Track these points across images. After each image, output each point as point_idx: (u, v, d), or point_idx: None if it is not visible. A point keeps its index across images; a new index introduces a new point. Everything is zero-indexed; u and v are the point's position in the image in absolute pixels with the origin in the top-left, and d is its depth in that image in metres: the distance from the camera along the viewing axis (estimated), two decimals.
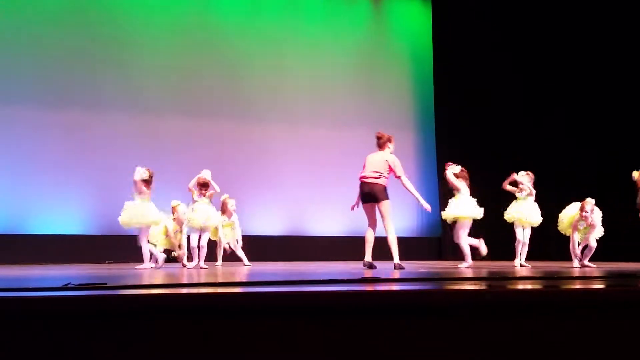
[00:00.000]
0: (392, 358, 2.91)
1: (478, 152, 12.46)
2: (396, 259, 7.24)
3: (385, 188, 7.42)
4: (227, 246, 8.75)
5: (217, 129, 11.59)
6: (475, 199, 8.30)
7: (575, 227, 8.09)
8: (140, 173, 7.48)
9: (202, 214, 7.89)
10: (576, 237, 8.08)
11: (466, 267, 7.77)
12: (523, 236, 8.30)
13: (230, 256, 8.97)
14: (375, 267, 7.15)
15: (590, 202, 7.97)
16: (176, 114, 11.35)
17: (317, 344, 2.85)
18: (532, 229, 8.40)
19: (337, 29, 12.72)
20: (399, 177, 7.50)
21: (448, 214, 8.38)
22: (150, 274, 5.95)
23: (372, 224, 7.48)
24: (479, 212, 8.18)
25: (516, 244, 8.35)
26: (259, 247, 9.34)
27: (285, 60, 12.28)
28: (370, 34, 13.08)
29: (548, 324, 3.07)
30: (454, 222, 8.38)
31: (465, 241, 8.13)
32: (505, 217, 8.44)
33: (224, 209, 8.69)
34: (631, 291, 3.41)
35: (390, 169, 7.45)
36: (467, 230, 8.17)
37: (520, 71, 12.46)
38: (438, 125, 13.00)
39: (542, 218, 8.38)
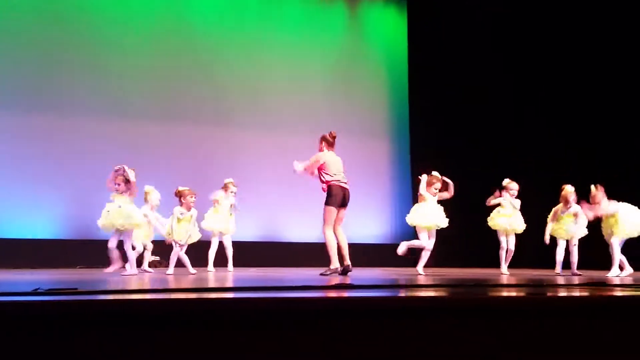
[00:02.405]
0: None
1: (452, 159, 12.54)
2: (348, 260, 7.48)
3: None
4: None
5: (194, 134, 11.54)
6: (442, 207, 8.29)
7: (554, 217, 8.25)
8: (132, 174, 7.41)
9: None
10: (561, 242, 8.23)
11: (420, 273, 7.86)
12: (507, 243, 8.42)
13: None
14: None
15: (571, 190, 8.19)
16: (151, 119, 11.28)
17: (291, 349, 2.84)
18: (518, 235, 8.51)
19: (313, 35, 12.75)
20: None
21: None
22: (121, 279, 5.90)
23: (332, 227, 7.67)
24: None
25: (500, 251, 8.44)
26: (233, 252, 9.28)
27: (262, 65, 12.27)
28: (346, 40, 13.12)
29: (519, 328, 3.09)
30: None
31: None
32: (489, 224, 8.51)
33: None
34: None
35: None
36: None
37: (496, 77, 12.57)
38: (412, 132, 13.07)
39: (525, 225, 8.48)
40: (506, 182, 8.55)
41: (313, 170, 7.87)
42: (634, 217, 7.52)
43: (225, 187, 8.89)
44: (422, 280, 6.05)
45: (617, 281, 5.93)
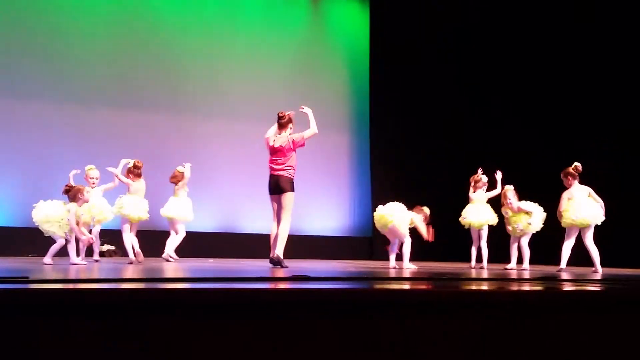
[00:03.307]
0: (318, 355, 2.92)
1: (412, 154, 12.67)
2: (280, 252, 7.17)
3: (292, 180, 7.36)
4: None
5: (151, 123, 11.41)
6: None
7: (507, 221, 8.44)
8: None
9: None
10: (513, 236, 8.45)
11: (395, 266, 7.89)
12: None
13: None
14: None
15: (509, 188, 8.38)
16: (109, 106, 11.11)
17: (244, 341, 2.83)
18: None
19: (275, 29, 12.69)
20: (307, 139, 7.47)
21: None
22: (76, 268, 5.81)
23: (275, 217, 7.46)
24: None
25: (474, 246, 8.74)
26: (190, 243, 9.22)
27: (223, 56, 12.18)
28: (308, 34, 13.10)
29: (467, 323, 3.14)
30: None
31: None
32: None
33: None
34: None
35: (295, 144, 7.39)
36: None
37: (457, 73, 12.69)
38: (373, 127, 13.13)
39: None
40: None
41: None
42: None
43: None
44: (378, 273, 6.09)
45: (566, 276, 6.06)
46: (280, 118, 7.56)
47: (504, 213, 8.48)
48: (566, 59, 11.12)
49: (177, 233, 8.61)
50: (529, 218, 8.30)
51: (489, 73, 12.31)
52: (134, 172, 7.71)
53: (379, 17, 13.25)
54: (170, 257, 8.38)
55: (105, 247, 9.30)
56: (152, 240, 8.88)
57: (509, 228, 8.46)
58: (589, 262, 7.74)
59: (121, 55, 11.34)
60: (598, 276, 6.53)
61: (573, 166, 7.86)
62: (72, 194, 6.80)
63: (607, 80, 10.50)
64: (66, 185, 6.90)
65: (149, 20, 11.65)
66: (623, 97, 10.36)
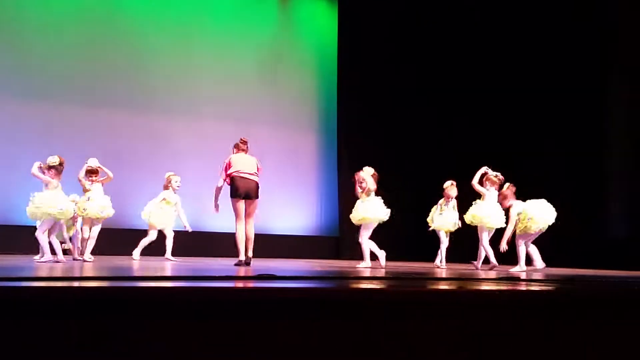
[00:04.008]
0: (285, 355, 2.91)
1: (379, 154, 12.69)
2: (250, 253, 7.47)
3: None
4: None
5: (118, 120, 11.30)
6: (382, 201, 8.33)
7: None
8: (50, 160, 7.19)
9: (98, 203, 7.60)
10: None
11: (364, 267, 7.84)
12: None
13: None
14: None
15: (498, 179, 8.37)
16: (74, 103, 10.99)
17: (210, 341, 2.81)
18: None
19: (244, 27, 12.66)
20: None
21: (354, 216, 8.32)
22: (39, 266, 5.70)
23: (244, 220, 7.56)
24: (385, 214, 8.22)
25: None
26: (155, 242, 9.15)
27: (192, 55, 12.14)
28: (276, 33, 13.09)
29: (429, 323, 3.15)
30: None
31: (366, 242, 8.16)
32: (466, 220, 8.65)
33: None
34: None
35: (258, 171, 7.65)
36: (370, 232, 8.20)
37: (424, 74, 12.77)
38: (340, 126, 13.16)
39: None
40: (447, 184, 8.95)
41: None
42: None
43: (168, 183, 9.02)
44: (345, 272, 6.09)
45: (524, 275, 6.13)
46: (244, 143, 7.76)
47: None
48: (541, 60, 11.30)
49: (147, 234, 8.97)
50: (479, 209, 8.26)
51: (459, 72, 12.41)
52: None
53: (348, 17, 13.28)
54: (169, 258, 8.86)
55: (66, 245, 9.19)
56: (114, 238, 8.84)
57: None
58: (514, 262, 7.84)
59: (87, 52, 11.20)
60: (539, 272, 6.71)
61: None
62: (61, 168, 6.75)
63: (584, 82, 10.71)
64: (59, 159, 6.78)
65: (117, 16, 11.53)
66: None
